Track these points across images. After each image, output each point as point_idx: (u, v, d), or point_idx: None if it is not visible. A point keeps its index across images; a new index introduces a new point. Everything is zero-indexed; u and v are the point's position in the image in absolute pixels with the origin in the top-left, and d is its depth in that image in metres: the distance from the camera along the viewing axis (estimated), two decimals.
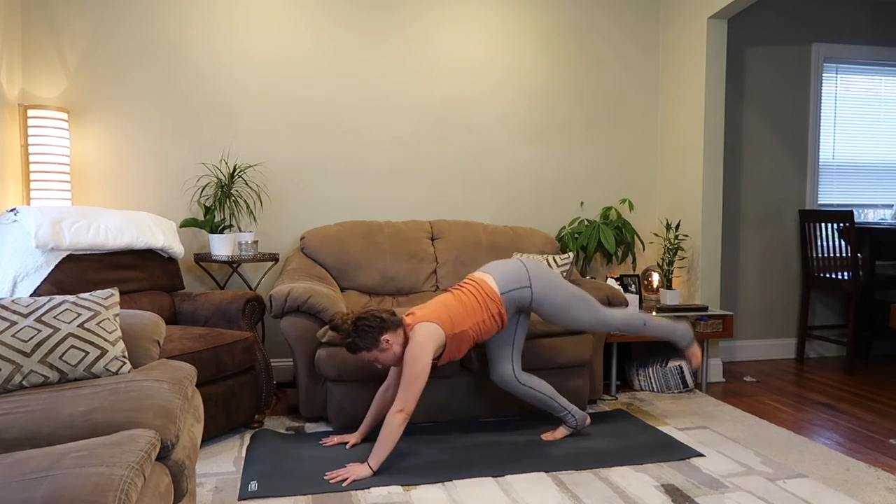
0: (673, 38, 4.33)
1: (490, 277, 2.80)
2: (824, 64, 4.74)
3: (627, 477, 2.56)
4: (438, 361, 2.74)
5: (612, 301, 3.42)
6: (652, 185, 4.51)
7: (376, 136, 4.07)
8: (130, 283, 3.22)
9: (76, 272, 3.00)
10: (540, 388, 2.91)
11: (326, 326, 2.66)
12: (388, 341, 2.61)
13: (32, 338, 1.93)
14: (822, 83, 4.72)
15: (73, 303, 2.06)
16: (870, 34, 4.78)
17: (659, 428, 3.13)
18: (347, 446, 2.84)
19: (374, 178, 4.08)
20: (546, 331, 3.20)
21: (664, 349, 4.18)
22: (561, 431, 2.97)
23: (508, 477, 2.55)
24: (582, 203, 4.40)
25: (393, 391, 2.80)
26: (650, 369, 3.80)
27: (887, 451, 2.89)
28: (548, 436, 2.95)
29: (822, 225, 4.48)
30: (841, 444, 2.99)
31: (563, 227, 4.31)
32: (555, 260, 3.58)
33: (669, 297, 3.96)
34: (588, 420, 3.01)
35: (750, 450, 2.86)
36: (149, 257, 3.35)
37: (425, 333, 2.57)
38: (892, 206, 4.94)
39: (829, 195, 4.83)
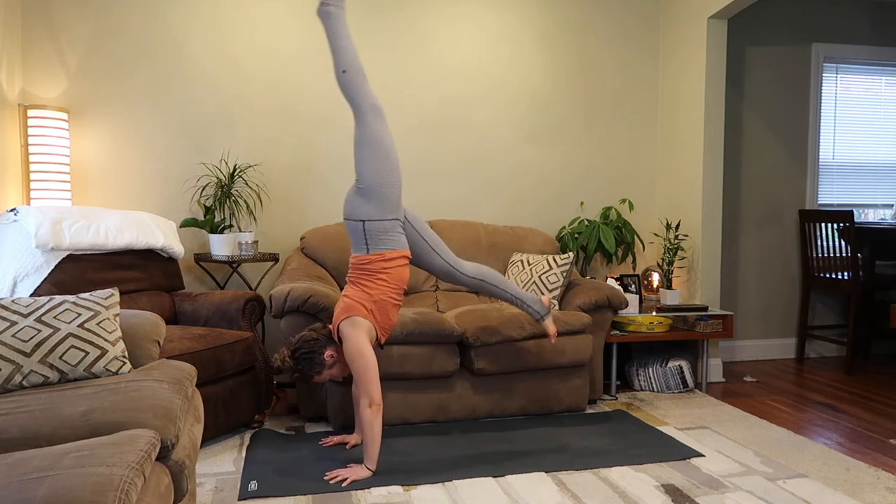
0: (673, 39, 4.33)
1: (352, 251, 2.75)
2: (824, 64, 4.74)
3: (627, 477, 2.56)
4: (383, 339, 2.73)
5: (611, 301, 3.43)
6: (652, 185, 4.52)
7: None
8: (130, 283, 3.22)
9: (76, 272, 3.00)
10: (487, 278, 2.91)
11: (277, 359, 2.65)
12: (332, 356, 2.63)
13: (32, 338, 1.93)
14: (822, 83, 4.72)
15: (73, 303, 2.06)
16: (870, 34, 4.78)
17: (659, 428, 3.13)
18: (347, 446, 2.84)
19: None
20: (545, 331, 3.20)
21: (664, 349, 4.18)
22: (547, 325, 3.01)
23: (508, 477, 2.55)
24: (582, 203, 4.40)
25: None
26: (650, 369, 3.80)
27: (887, 451, 2.90)
28: (552, 333, 3.03)
29: (822, 225, 4.48)
30: (841, 444, 2.99)
31: (563, 227, 4.31)
32: (555, 260, 3.59)
33: (669, 297, 3.96)
34: (546, 300, 3.01)
35: (750, 450, 2.86)
36: (149, 257, 3.35)
37: (351, 327, 2.56)
38: (892, 206, 4.94)
39: (829, 195, 4.83)
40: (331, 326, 2.68)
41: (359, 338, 2.54)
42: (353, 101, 2.63)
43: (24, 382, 1.91)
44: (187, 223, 3.63)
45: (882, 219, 4.96)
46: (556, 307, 3.52)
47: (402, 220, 2.74)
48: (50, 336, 1.95)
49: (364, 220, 2.63)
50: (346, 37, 2.61)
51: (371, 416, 2.49)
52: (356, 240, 2.67)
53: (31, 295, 2.84)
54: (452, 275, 2.88)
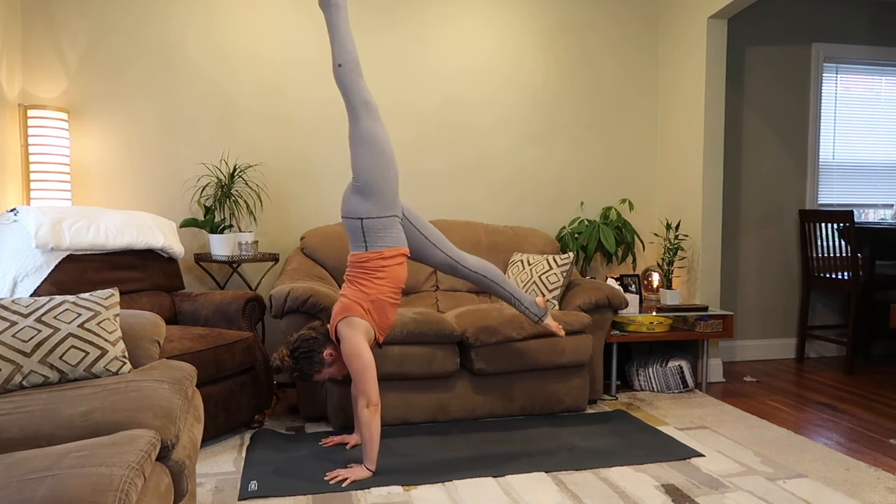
0: (673, 39, 4.33)
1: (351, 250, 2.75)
2: (824, 64, 4.74)
3: (627, 477, 2.56)
4: (381, 339, 2.72)
5: (611, 301, 3.43)
6: (652, 185, 4.52)
7: None
8: (130, 283, 3.22)
9: (76, 272, 3.00)
10: (490, 275, 2.91)
11: (276, 358, 2.65)
12: (330, 355, 2.63)
13: (32, 338, 1.93)
14: (822, 83, 4.72)
15: (73, 303, 2.06)
16: (870, 34, 4.78)
17: (659, 428, 3.13)
18: (347, 447, 2.84)
19: None
20: (546, 331, 3.20)
21: (664, 349, 4.18)
22: (548, 324, 3.01)
23: (508, 477, 2.55)
24: (582, 203, 4.40)
25: None
26: (650, 369, 3.80)
27: (887, 451, 2.89)
28: (556, 328, 3.03)
29: (822, 225, 4.48)
30: (841, 444, 2.99)
31: (564, 227, 4.31)
32: (555, 260, 3.59)
33: (669, 297, 3.96)
34: (540, 300, 2.99)
35: (750, 450, 2.86)
36: (149, 257, 3.35)
37: (348, 327, 2.56)
38: (892, 206, 4.94)
39: (829, 195, 4.83)
40: (329, 326, 2.68)
41: (356, 338, 2.54)
42: (346, 96, 2.62)
43: (24, 382, 1.91)
44: (187, 223, 3.63)
45: (882, 219, 4.96)
46: (556, 307, 3.51)
47: (401, 216, 2.73)
48: (50, 336, 1.95)
49: (362, 218, 2.62)
50: (345, 30, 2.60)
51: (369, 417, 2.49)
52: (354, 237, 2.66)
53: (31, 295, 2.84)
54: (454, 268, 2.87)
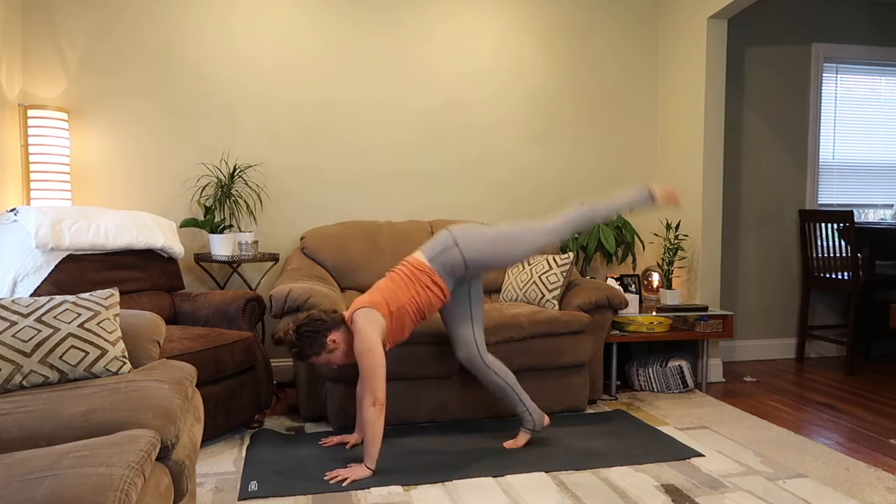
0: (673, 39, 4.33)
1: (419, 252, 2.78)
2: (824, 64, 4.74)
3: (627, 477, 2.56)
4: (386, 346, 2.70)
5: (611, 301, 3.43)
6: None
7: (377, 136, 4.07)
8: (130, 283, 3.22)
9: (76, 272, 3.00)
10: (503, 375, 2.84)
11: (280, 330, 2.65)
12: (334, 341, 2.59)
13: (32, 338, 1.93)
14: (822, 83, 4.72)
15: (73, 303, 2.06)
16: (870, 34, 4.78)
17: (659, 428, 3.13)
18: (347, 446, 2.84)
19: (375, 179, 4.08)
20: (546, 331, 3.20)
21: (664, 349, 4.18)
22: (522, 438, 2.86)
23: (508, 477, 2.55)
24: (582, 203, 4.40)
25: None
26: (650, 369, 3.80)
27: (887, 451, 2.89)
28: (509, 444, 2.85)
29: (822, 225, 4.48)
30: (841, 444, 2.99)
31: None
32: (555, 260, 3.59)
33: (669, 297, 3.96)
34: (546, 421, 2.88)
35: (750, 450, 2.86)
36: (149, 257, 3.35)
37: (366, 321, 2.54)
38: (892, 206, 4.94)
39: (829, 195, 4.83)
40: (346, 312, 2.67)
41: (373, 334, 2.52)
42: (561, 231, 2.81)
43: (24, 382, 1.91)
44: (187, 223, 3.63)
45: (882, 219, 4.96)
46: (556, 307, 3.51)
47: (467, 280, 2.81)
48: (50, 336, 1.95)
49: (461, 250, 2.70)
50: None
51: (374, 416, 2.48)
52: (434, 248, 2.72)
53: (31, 295, 2.84)
54: (471, 354, 2.81)
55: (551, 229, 2.79)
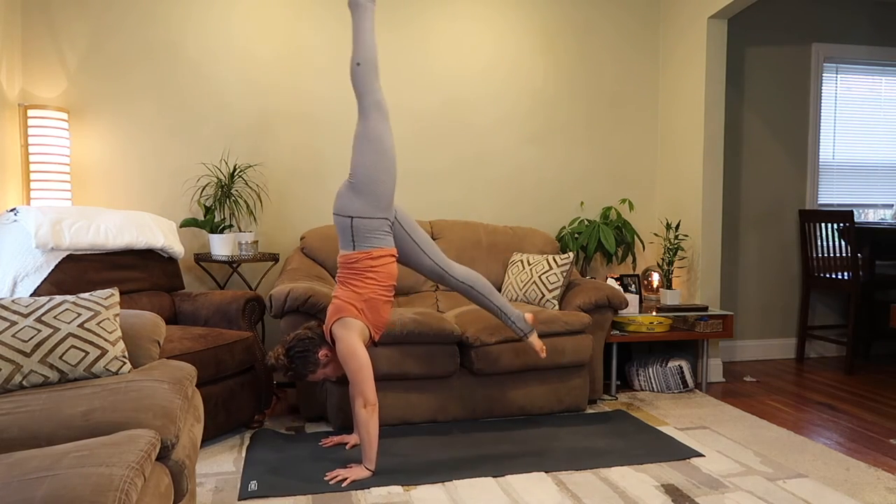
0: (673, 39, 4.33)
1: (340, 251, 2.73)
2: (824, 64, 4.74)
3: (627, 477, 2.56)
4: (377, 338, 2.72)
5: (611, 301, 3.43)
6: (652, 185, 4.52)
7: None
8: (130, 283, 3.22)
9: (76, 272, 3.00)
10: (475, 285, 2.87)
11: (272, 356, 2.65)
12: (326, 355, 2.63)
13: (32, 338, 1.93)
14: (822, 83, 4.72)
15: (73, 303, 2.06)
16: (870, 34, 4.78)
17: (659, 428, 3.13)
18: (347, 446, 2.84)
19: None
20: (545, 331, 3.20)
21: (664, 349, 4.18)
22: (535, 343, 2.95)
23: (508, 477, 2.55)
24: (582, 203, 4.41)
25: None
26: (650, 369, 3.80)
27: (887, 451, 2.90)
28: (539, 345, 2.96)
29: (822, 225, 4.48)
30: (841, 444, 2.99)
31: (564, 227, 4.31)
32: (555, 260, 3.59)
33: (669, 297, 3.96)
34: (529, 316, 2.94)
35: (750, 450, 2.86)
36: (149, 257, 3.35)
37: (342, 328, 2.57)
38: (892, 206, 4.94)
39: (829, 195, 4.83)
40: (324, 327, 2.68)
41: (350, 339, 2.54)
42: (359, 95, 2.64)
43: (24, 382, 1.91)
44: (187, 223, 3.63)
45: (882, 219, 4.96)
46: (556, 307, 3.51)
47: (392, 220, 2.73)
48: (50, 336, 1.95)
49: (353, 217, 2.62)
50: (369, 31, 2.64)
51: (366, 416, 2.49)
52: (343, 236, 2.66)
53: (31, 295, 2.84)
54: (441, 276, 2.86)
55: (445, 262, 2.85)
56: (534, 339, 2.97)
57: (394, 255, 2.70)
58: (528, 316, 2.96)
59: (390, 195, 2.67)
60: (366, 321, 2.63)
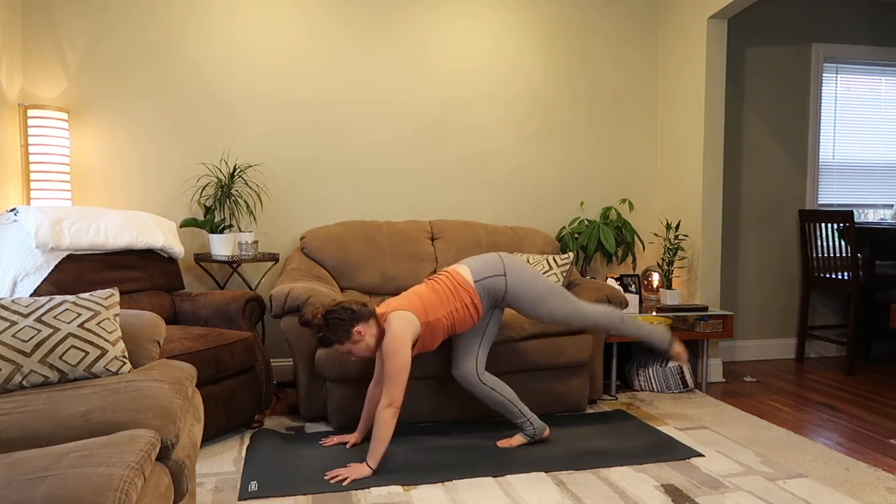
0: (673, 39, 4.33)
1: (465, 268, 2.79)
2: (824, 64, 4.74)
3: (627, 477, 2.56)
4: (415, 352, 2.72)
5: (611, 301, 3.42)
6: (652, 185, 4.52)
7: (377, 136, 4.07)
8: (130, 283, 3.22)
9: (76, 272, 3.00)
10: (501, 391, 2.83)
11: (309, 312, 2.66)
12: (360, 332, 2.59)
13: (32, 338, 1.93)
14: (822, 83, 4.72)
15: (73, 303, 2.06)
16: (870, 34, 4.78)
17: (659, 428, 3.13)
18: (347, 446, 2.84)
19: (375, 179, 4.08)
20: (546, 331, 3.20)
21: None
22: (518, 439, 2.86)
23: (508, 477, 2.55)
24: (582, 203, 4.41)
25: (381, 386, 2.79)
26: (650, 369, 3.80)
27: (887, 451, 2.90)
28: (503, 443, 2.86)
29: (822, 225, 4.48)
30: (841, 444, 2.99)
31: (563, 227, 4.31)
32: (555, 260, 3.58)
33: (669, 297, 3.96)
34: (546, 432, 2.88)
35: (750, 450, 2.86)
36: (149, 257, 3.35)
37: (401, 323, 2.55)
38: (892, 206, 4.94)
39: (829, 195, 4.83)
40: (379, 310, 2.66)
41: (405, 337, 2.53)
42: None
43: (24, 382, 1.91)
44: (187, 223, 3.63)
45: (882, 219, 4.96)
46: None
47: (496, 308, 2.88)
48: (50, 336, 1.95)
49: (507, 279, 2.76)
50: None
51: (388, 417, 2.49)
52: (482, 270, 2.77)
53: (31, 295, 2.84)
54: (468, 373, 2.85)
55: (583, 310, 2.87)
56: (677, 348, 3.01)
57: (479, 317, 2.81)
58: (546, 432, 2.90)
59: (507, 306, 2.88)
60: (422, 333, 2.64)
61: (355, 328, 2.58)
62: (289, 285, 3.08)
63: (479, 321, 2.86)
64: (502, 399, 2.83)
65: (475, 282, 2.75)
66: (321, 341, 2.62)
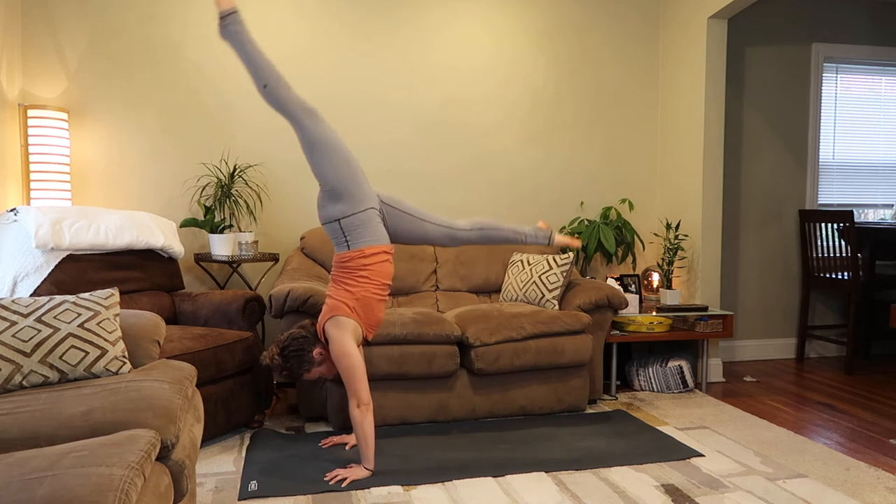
0: (673, 39, 4.33)
1: (335, 252, 2.72)
2: (824, 64, 4.74)
3: (627, 477, 2.56)
4: (370, 336, 2.70)
5: (611, 301, 3.43)
6: (652, 185, 4.52)
7: (377, 136, 4.07)
8: (130, 283, 3.22)
9: (76, 272, 3.00)
10: (487, 226, 2.84)
11: (266, 356, 2.65)
12: (320, 353, 2.62)
13: (32, 338, 1.93)
14: (822, 83, 4.72)
15: (73, 303, 2.06)
16: (870, 34, 4.78)
17: (659, 428, 3.13)
18: (347, 447, 2.84)
19: (375, 179, 4.08)
20: (546, 331, 3.20)
21: (664, 349, 4.18)
22: (562, 239, 2.94)
23: (508, 477, 2.55)
24: (582, 203, 4.40)
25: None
26: (650, 369, 3.80)
27: (887, 451, 2.90)
28: (562, 239, 2.95)
29: (822, 225, 4.48)
30: (841, 444, 2.99)
31: (564, 227, 4.31)
32: (555, 260, 3.59)
33: (669, 297, 3.96)
34: (542, 224, 2.94)
35: (750, 450, 2.86)
36: (149, 257, 3.35)
37: (333, 327, 2.56)
38: (892, 206, 4.94)
39: (829, 195, 4.83)
40: (317, 326, 2.68)
41: (343, 338, 2.53)
42: (283, 112, 2.54)
43: (24, 382, 1.91)
44: (187, 223, 3.63)
45: (882, 219, 4.96)
46: (556, 307, 3.51)
47: (379, 207, 2.68)
48: (50, 336, 1.95)
49: (339, 219, 2.59)
50: (255, 51, 2.53)
51: (360, 416, 2.49)
52: (336, 239, 2.63)
53: (31, 295, 2.84)
54: (452, 236, 2.81)
55: (449, 222, 2.79)
56: (559, 238, 2.97)
57: (388, 253, 2.66)
58: (541, 223, 2.95)
59: (362, 184, 2.61)
60: (359, 320, 2.62)
61: (314, 351, 2.61)
62: (289, 285, 3.08)
63: (391, 237, 2.72)
64: (493, 232, 2.85)
65: (346, 248, 2.61)
66: (290, 377, 2.64)
